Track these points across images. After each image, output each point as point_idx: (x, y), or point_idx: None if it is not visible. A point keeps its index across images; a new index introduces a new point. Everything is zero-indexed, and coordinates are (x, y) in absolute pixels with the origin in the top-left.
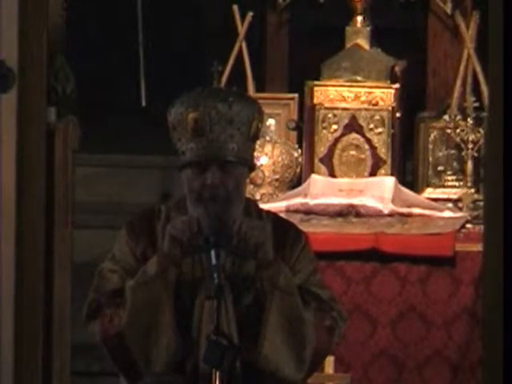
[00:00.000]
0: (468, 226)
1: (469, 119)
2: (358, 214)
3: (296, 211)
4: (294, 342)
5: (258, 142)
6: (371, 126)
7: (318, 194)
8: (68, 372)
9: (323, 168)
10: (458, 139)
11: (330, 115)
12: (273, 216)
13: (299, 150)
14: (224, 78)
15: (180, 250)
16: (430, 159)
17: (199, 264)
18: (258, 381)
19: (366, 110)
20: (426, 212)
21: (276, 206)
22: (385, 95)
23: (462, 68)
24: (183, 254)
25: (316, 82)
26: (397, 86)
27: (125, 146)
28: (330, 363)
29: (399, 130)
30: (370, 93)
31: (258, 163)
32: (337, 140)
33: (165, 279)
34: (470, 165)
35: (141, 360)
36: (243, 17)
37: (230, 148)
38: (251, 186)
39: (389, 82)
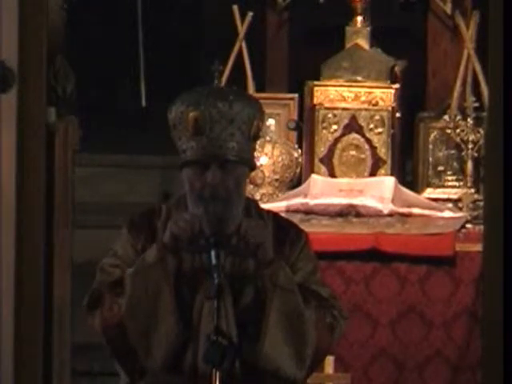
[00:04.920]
0: (468, 226)
1: (469, 119)
2: (358, 214)
3: (296, 211)
4: (294, 340)
5: (258, 142)
6: (371, 126)
7: (317, 194)
8: (68, 372)
9: (323, 168)
10: (458, 139)
11: (329, 115)
12: (273, 215)
13: (299, 150)
14: (224, 78)
15: (180, 245)
16: (430, 159)
17: (199, 263)
18: (258, 380)
19: (366, 110)
20: (426, 212)
21: (276, 205)
22: (385, 95)
23: (461, 68)
24: (182, 248)
25: (316, 82)
26: (397, 86)
27: (125, 146)
28: (329, 363)
29: (399, 129)
30: (370, 93)
31: (258, 163)
32: (337, 140)
33: (164, 267)
34: (469, 165)
35: (141, 349)
36: (243, 17)
37: (230, 147)
38: (251, 186)
39: (389, 82)
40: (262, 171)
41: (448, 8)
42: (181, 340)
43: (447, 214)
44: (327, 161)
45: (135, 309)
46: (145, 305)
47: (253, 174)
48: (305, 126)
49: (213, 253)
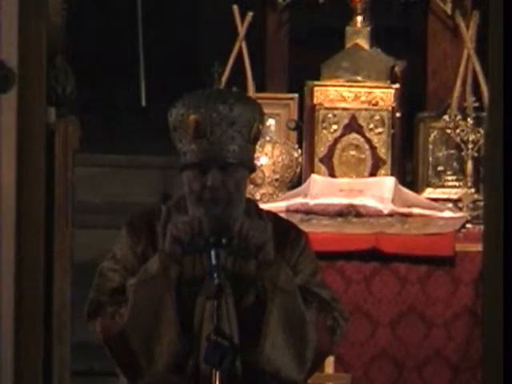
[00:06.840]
0: (468, 225)
1: (469, 119)
2: (358, 214)
3: (296, 211)
4: (295, 342)
5: (258, 143)
6: (371, 126)
7: (317, 194)
8: (68, 372)
9: (323, 168)
10: (457, 139)
11: (329, 115)
12: (273, 216)
13: (299, 150)
14: (224, 78)
15: (181, 249)
16: (430, 159)
17: (200, 264)
18: (259, 381)
19: (365, 110)
20: (426, 212)
21: (276, 205)
22: (385, 95)
23: (461, 68)
24: (184, 253)
25: (316, 82)
26: (397, 86)
27: (125, 146)
28: (329, 363)
29: (399, 129)
30: (369, 93)
31: (258, 163)
32: (337, 140)
33: (166, 277)
34: (469, 165)
35: (143, 358)
36: (243, 17)
37: (230, 150)
38: (251, 186)
39: (389, 82)
40: (262, 171)
41: (448, 8)
42: (183, 349)
43: (447, 214)
44: (327, 161)
45: (138, 319)
46: (147, 315)
47: (253, 174)
48: (305, 126)
49: (213, 253)
